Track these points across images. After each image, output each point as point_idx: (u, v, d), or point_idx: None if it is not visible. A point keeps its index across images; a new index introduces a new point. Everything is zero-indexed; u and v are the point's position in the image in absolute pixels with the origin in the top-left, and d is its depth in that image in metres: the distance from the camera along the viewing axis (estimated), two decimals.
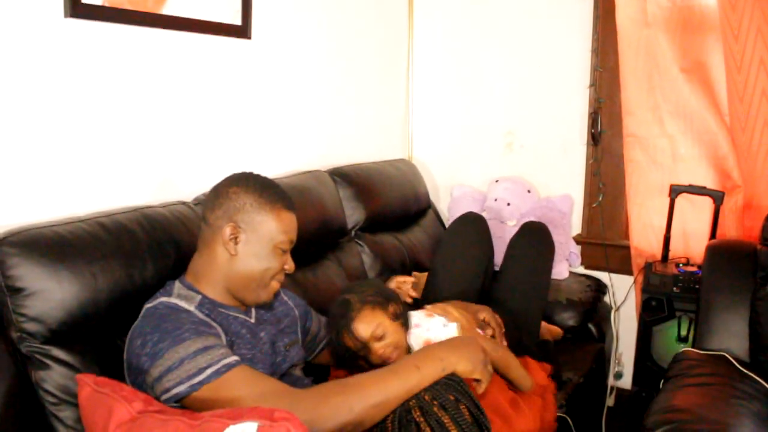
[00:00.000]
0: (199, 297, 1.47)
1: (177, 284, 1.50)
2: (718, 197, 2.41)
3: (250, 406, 1.24)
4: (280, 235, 1.51)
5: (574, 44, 2.81)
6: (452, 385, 1.39)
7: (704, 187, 2.45)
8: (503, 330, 1.96)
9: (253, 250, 1.49)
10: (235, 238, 1.48)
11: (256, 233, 1.49)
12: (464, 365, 1.43)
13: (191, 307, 1.43)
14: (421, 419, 1.33)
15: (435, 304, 1.90)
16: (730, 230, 2.46)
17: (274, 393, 1.30)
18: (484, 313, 1.94)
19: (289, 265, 1.56)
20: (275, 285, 1.55)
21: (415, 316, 1.78)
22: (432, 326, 1.75)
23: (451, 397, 1.36)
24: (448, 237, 2.33)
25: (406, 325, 1.72)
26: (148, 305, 1.45)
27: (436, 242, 2.82)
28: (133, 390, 1.27)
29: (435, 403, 1.35)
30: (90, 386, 1.26)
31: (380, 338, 1.64)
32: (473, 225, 2.31)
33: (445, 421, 1.34)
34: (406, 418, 1.34)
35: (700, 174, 2.50)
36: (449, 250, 2.28)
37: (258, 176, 1.57)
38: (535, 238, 2.32)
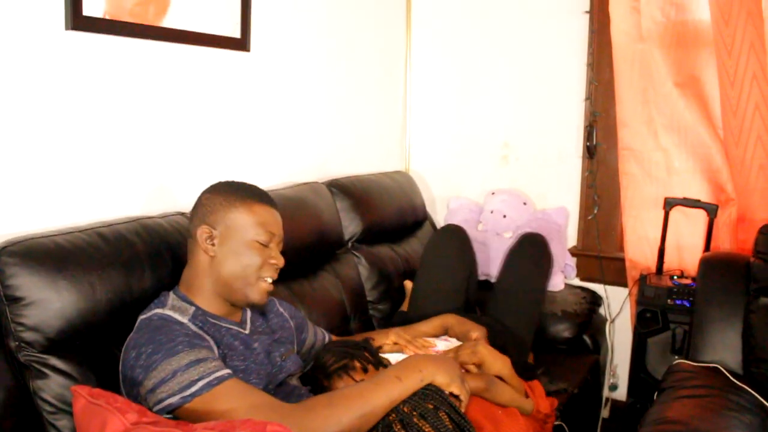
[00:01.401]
0: (192, 309, 1.48)
1: (171, 295, 1.52)
2: (712, 210, 2.43)
3: (240, 418, 1.25)
4: (255, 228, 1.51)
5: (569, 58, 2.84)
6: (430, 394, 1.41)
7: (698, 200, 2.47)
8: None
9: (230, 248, 1.50)
10: (211, 239, 1.49)
11: (229, 230, 1.50)
12: (442, 377, 1.45)
13: (185, 319, 1.44)
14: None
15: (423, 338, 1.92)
16: (723, 243, 2.48)
17: (265, 406, 1.32)
18: (477, 334, 1.96)
19: (276, 259, 1.54)
20: (264, 285, 1.54)
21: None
22: None
23: (430, 406, 1.38)
24: (428, 250, 2.33)
25: (379, 364, 1.68)
26: (142, 317, 1.46)
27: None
28: (127, 401, 1.28)
29: (414, 413, 1.37)
30: (84, 398, 1.26)
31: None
32: (453, 237, 2.31)
33: (426, 429, 1.35)
34: None
35: (695, 187, 2.52)
36: (430, 264, 2.28)
37: (233, 181, 1.59)
38: (533, 250, 2.31)
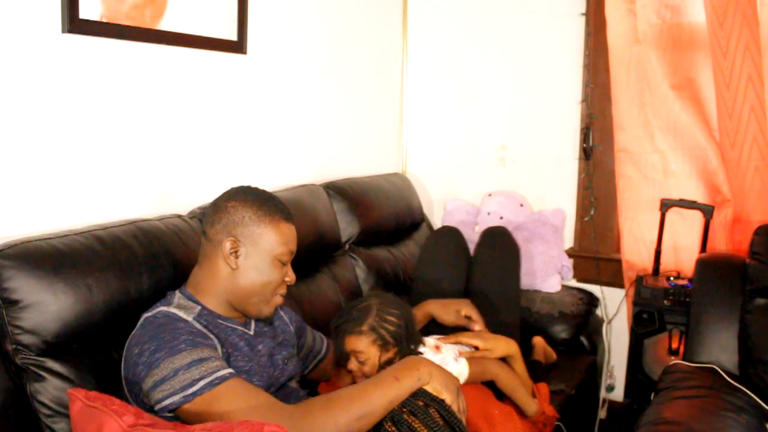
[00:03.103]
0: (198, 308, 1.49)
1: (178, 294, 1.52)
2: (708, 211, 2.44)
3: (240, 418, 1.26)
4: (280, 247, 1.52)
5: (566, 60, 2.84)
6: (420, 392, 1.42)
7: (694, 202, 2.48)
8: (483, 322, 1.99)
9: (253, 263, 1.50)
10: (236, 251, 1.49)
11: (256, 246, 1.50)
12: (438, 381, 1.45)
13: (189, 318, 1.44)
14: (393, 429, 1.36)
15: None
16: (719, 244, 2.49)
17: (264, 407, 1.32)
18: (465, 308, 1.97)
19: (290, 277, 1.57)
20: (278, 299, 1.56)
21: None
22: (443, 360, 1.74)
23: (420, 403, 1.39)
24: (424, 252, 2.35)
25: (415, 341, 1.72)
26: (146, 314, 1.45)
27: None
28: (124, 404, 1.28)
29: (404, 410, 1.38)
30: (81, 400, 1.26)
31: (360, 360, 1.66)
32: (448, 238, 2.34)
33: (416, 426, 1.36)
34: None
35: (691, 188, 2.53)
36: (427, 264, 2.31)
37: (256, 189, 1.58)
38: (497, 244, 2.33)
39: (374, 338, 1.66)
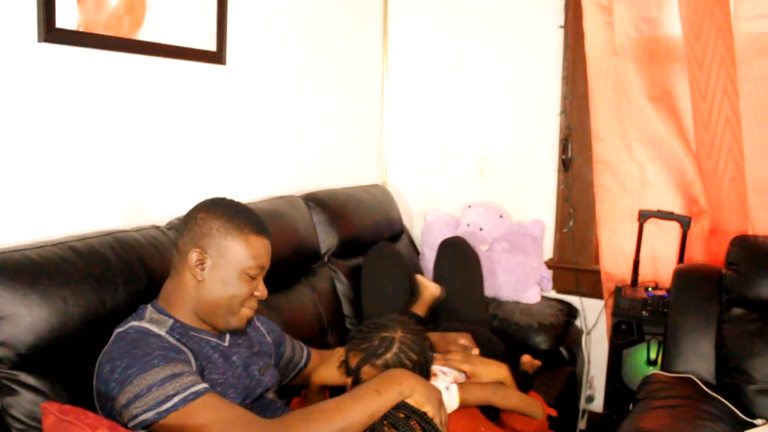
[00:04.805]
0: (170, 321, 1.47)
1: (149, 308, 1.50)
2: (685, 222, 2.46)
3: None
4: (248, 261, 1.49)
5: (545, 72, 2.87)
6: (400, 405, 1.40)
7: (672, 213, 2.50)
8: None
9: (219, 276, 1.48)
10: (202, 263, 1.47)
11: (223, 258, 1.48)
12: (420, 394, 1.43)
13: (162, 332, 1.43)
14: None
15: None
16: (697, 255, 2.51)
17: (241, 421, 1.31)
18: (463, 339, 1.95)
19: (261, 291, 1.54)
20: (246, 312, 1.54)
21: None
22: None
23: (401, 415, 1.38)
24: (366, 275, 2.42)
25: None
26: (118, 330, 1.44)
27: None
28: (98, 417, 1.27)
29: (385, 423, 1.36)
30: (54, 414, 1.24)
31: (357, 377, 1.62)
32: (384, 252, 2.45)
33: None
34: None
35: (668, 200, 2.56)
36: (369, 288, 2.39)
37: (229, 201, 1.56)
38: (456, 254, 2.41)
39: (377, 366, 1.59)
